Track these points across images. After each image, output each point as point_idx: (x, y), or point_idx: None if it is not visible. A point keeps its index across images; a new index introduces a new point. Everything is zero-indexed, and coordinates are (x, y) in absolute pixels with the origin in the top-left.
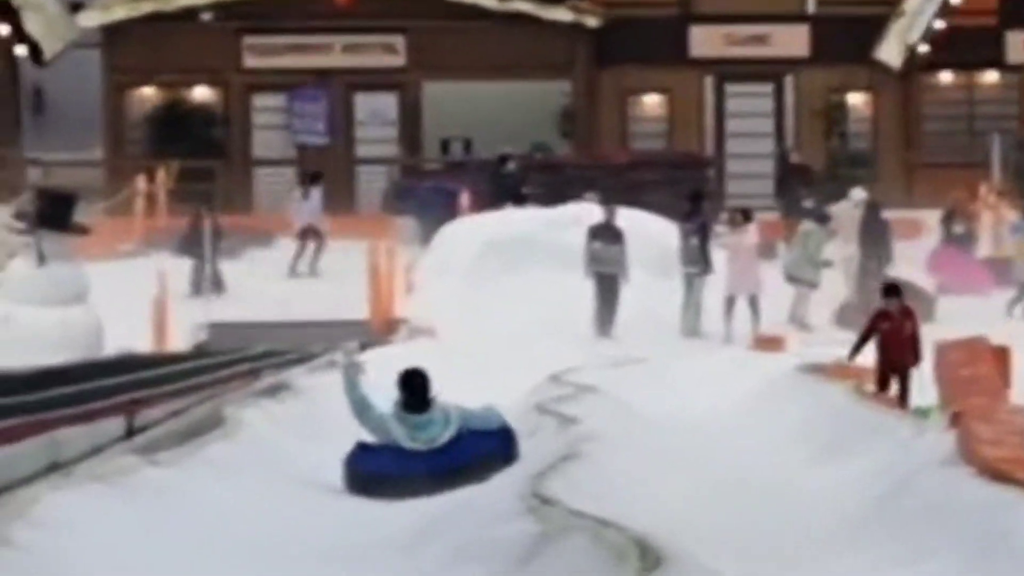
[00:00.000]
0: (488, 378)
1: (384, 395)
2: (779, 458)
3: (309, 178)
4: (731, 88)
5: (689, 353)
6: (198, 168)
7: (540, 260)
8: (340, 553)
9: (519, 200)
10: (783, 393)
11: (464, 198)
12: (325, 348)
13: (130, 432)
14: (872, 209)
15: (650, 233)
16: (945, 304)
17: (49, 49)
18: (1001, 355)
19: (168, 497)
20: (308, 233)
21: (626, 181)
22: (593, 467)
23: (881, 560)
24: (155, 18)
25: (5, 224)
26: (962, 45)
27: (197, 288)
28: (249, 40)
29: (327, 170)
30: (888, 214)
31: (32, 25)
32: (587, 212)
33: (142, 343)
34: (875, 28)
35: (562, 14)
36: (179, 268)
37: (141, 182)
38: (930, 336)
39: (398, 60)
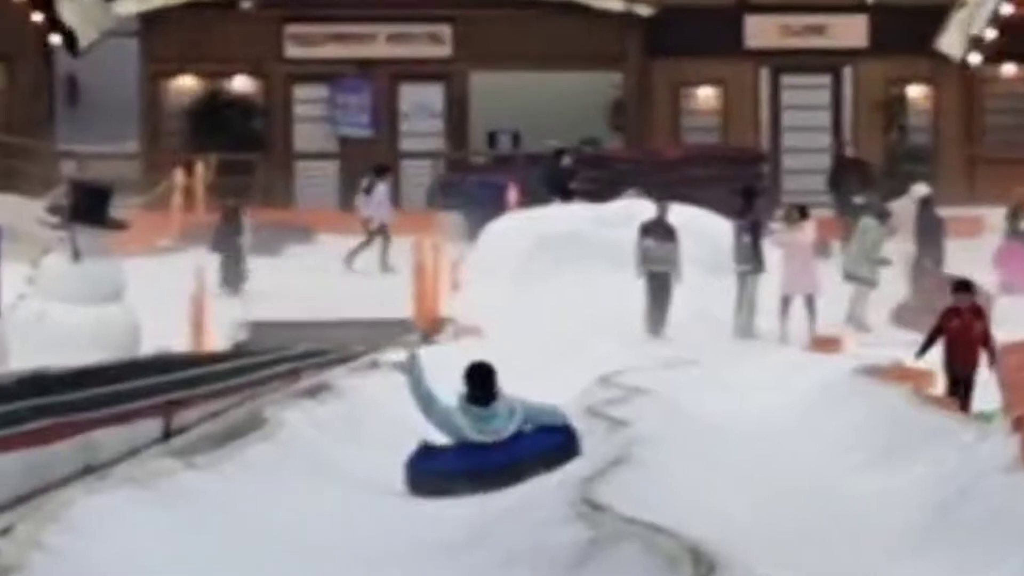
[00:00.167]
0: (536, 380)
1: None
2: (835, 463)
3: (375, 171)
4: (787, 80)
5: (743, 354)
6: (237, 161)
7: (590, 258)
8: (385, 558)
9: (567, 196)
10: (840, 396)
11: (512, 193)
12: (368, 348)
13: (167, 434)
14: (926, 205)
15: (704, 230)
16: (1005, 304)
17: (84, 38)
18: None
19: (206, 502)
20: (371, 228)
21: (678, 176)
22: (644, 472)
23: (942, 569)
24: (194, 5)
25: (39, 219)
26: None
27: (226, 285)
28: (291, 29)
29: (370, 164)
30: (948, 211)
31: (67, 13)
32: (639, 208)
33: (180, 342)
34: (936, 18)
35: (614, 3)
36: (217, 265)
37: (179, 175)
38: None
39: (444, 50)
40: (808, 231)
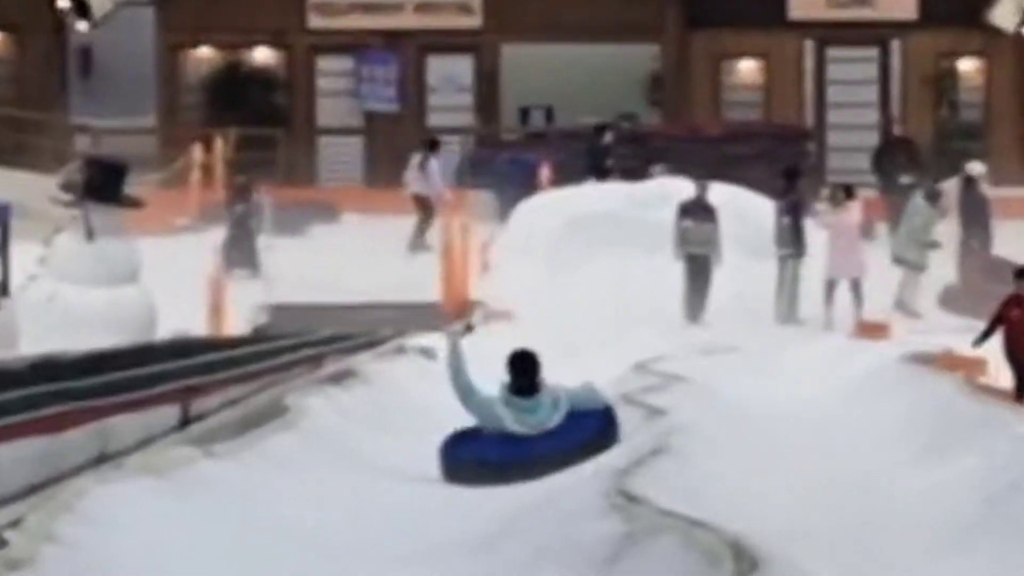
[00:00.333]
0: (569, 367)
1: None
2: (882, 454)
3: (427, 146)
4: (833, 53)
5: (786, 341)
6: (258, 137)
7: (626, 239)
8: (414, 551)
9: (602, 174)
10: (887, 384)
11: (545, 171)
12: (395, 332)
13: (185, 421)
14: (970, 183)
15: (745, 211)
16: None
17: (99, 7)
18: None
19: (225, 492)
20: (420, 204)
21: (719, 154)
22: (683, 462)
23: (991, 564)
24: None
25: (51, 196)
26: None
27: (232, 268)
28: None
29: (397, 140)
30: (1002, 191)
31: None
32: (675, 187)
33: (198, 325)
34: None
35: None
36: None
37: (197, 151)
38: None
39: (474, 21)
40: (854, 212)
